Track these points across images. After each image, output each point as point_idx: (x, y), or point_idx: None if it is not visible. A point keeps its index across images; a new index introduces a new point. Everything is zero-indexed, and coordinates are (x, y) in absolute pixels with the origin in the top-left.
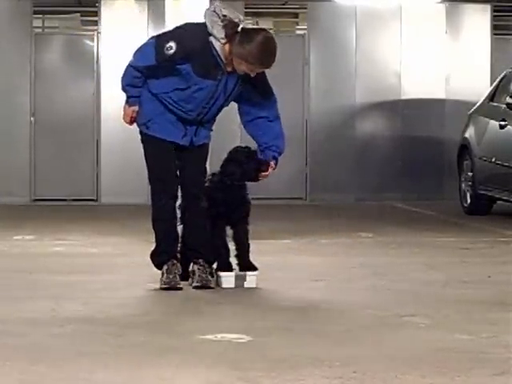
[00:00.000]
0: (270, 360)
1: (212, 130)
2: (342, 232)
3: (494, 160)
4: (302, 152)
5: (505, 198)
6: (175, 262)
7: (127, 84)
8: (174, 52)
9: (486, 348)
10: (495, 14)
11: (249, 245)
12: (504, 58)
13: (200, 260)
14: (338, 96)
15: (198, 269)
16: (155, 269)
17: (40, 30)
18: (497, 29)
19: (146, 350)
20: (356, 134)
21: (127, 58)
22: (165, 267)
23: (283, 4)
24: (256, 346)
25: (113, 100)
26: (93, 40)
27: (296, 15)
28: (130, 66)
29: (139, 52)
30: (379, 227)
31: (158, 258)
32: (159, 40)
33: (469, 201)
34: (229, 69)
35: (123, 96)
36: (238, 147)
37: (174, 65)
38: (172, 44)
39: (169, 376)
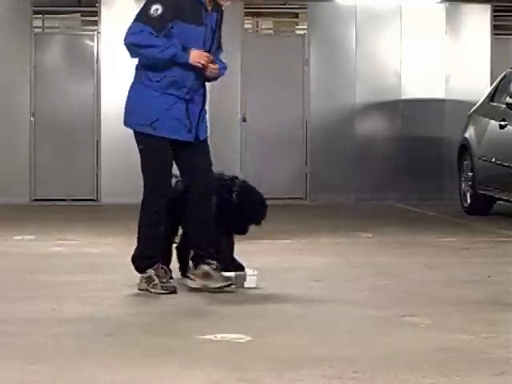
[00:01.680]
0: (269, 360)
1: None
2: (342, 232)
3: (493, 160)
4: (301, 152)
5: (505, 197)
6: (162, 265)
7: (159, 54)
8: (162, 11)
9: (486, 348)
10: (495, 14)
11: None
12: (504, 58)
13: (213, 262)
14: (338, 96)
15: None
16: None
17: (40, 30)
18: (497, 29)
19: (146, 350)
20: (356, 134)
21: (127, 58)
22: (152, 271)
23: (283, 4)
24: (256, 346)
25: (113, 100)
26: (93, 40)
27: (296, 15)
28: (131, 45)
29: (131, 34)
30: (379, 227)
31: (142, 262)
32: (141, 13)
33: (469, 201)
34: (210, 7)
35: (123, 95)
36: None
37: (167, 25)
38: (157, 6)
39: (169, 376)
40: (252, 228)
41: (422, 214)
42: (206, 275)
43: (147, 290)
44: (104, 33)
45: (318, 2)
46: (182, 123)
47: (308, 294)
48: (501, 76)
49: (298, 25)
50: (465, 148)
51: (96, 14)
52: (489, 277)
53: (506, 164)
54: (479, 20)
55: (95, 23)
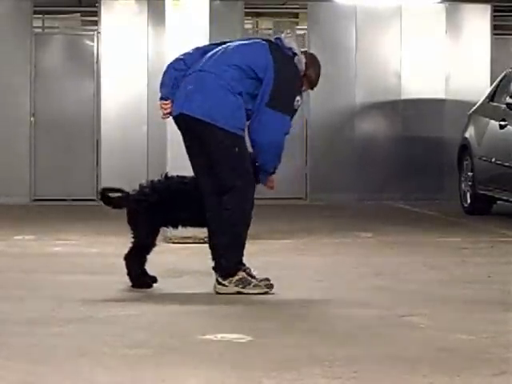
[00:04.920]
0: (270, 360)
1: None
2: (341, 232)
3: (493, 160)
4: (302, 152)
5: (505, 197)
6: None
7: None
8: (300, 103)
9: (486, 348)
10: (495, 14)
11: None
12: (504, 58)
13: (248, 267)
14: (338, 96)
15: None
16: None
17: (40, 30)
18: (497, 29)
19: (146, 350)
20: (356, 134)
21: (127, 58)
22: (243, 273)
23: (283, 4)
24: (256, 346)
25: (113, 100)
26: (93, 40)
27: (296, 15)
28: (282, 142)
29: (285, 131)
30: (379, 227)
31: (239, 265)
32: (287, 103)
33: (469, 201)
34: None
35: (123, 95)
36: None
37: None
38: (299, 97)
39: (169, 376)
40: (252, 228)
41: (422, 214)
42: (242, 281)
43: (240, 293)
44: (104, 33)
45: (318, 1)
46: None
47: (308, 294)
48: (501, 76)
49: (298, 25)
50: (465, 148)
51: (96, 13)
52: (489, 277)
53: (506, 164)
54: (479, 20)
55: (95, 23)
